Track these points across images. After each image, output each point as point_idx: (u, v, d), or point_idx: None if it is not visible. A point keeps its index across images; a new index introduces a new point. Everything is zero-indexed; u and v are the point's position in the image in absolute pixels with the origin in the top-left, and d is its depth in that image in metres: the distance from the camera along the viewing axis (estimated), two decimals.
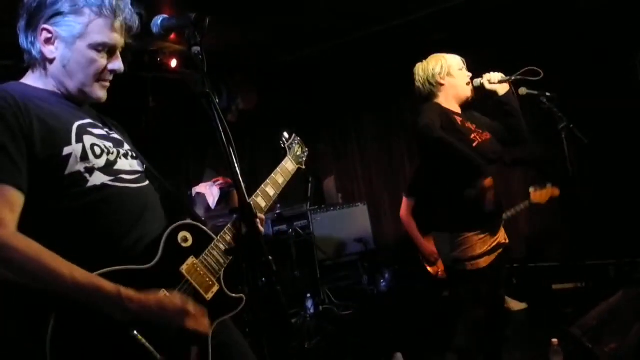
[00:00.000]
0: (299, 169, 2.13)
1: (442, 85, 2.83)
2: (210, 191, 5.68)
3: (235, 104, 6.22)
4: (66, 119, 1.49)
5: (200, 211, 5.45)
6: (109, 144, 1.57)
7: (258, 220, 1.63)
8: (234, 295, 1.62)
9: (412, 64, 2.98)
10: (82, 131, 1.50)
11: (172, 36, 4.15)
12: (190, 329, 1.40)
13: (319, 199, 6.96)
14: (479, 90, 2.88)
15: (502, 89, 2.84)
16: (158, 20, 1.64)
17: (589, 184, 4.95)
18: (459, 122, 2.76)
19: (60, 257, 1.33)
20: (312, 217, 6.03)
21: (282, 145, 2.15)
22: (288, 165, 2.06)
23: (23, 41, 1.53)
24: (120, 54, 1.60)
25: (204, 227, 1.63)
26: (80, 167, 1.44)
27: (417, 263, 5.86)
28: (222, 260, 1.60)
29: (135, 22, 1.58)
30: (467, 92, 2.87)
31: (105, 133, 1.62)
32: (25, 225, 1.35)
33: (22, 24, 1.51)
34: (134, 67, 4.78)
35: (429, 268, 4.19)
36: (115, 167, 1.54)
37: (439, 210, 2.86)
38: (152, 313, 1.36)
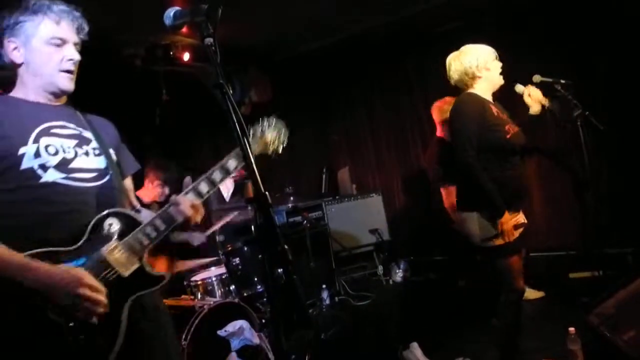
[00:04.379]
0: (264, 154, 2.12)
1: (479, 77, 2.94)
2: (224, 184, 5.70)
3: (248, 97, 6.23)
4: (32, 123, 1.73)
5: (214, 204, 5.48)
6: (70, 144, 1.79)
7: (190, 206, 1.81)
8: (154, 273, 1.78)
9: (426, 53, 3.02)
10: (43, 133, 1.73)
11: (185, 29, 4.15)
12: (82, 295, 1.54)
13: (333, 190, 6.97)
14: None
15: (536, 107, 3.03)
16: (170, 12, 1.64)
17: (605, 171, 4.89)
18: (495, 113, 2.87)
19: None
20: (327, 208, 6.05)
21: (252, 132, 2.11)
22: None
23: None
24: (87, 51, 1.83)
25: (132, 214, 1.81)
26: (34, 164, 1.66)
27: (432, 253, 5.85)
28: (145, 242, 1.75)
29: (83, 23, 1.85)
30: (501, 81, 2.99)
31: (73, 132, 1.83)
32: None
33: None
34: (147, 61, 4.80)
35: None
36: (71, 166, 1.75)
37: (466, 192, 2.99)
38: (40, 281, 1.53)
